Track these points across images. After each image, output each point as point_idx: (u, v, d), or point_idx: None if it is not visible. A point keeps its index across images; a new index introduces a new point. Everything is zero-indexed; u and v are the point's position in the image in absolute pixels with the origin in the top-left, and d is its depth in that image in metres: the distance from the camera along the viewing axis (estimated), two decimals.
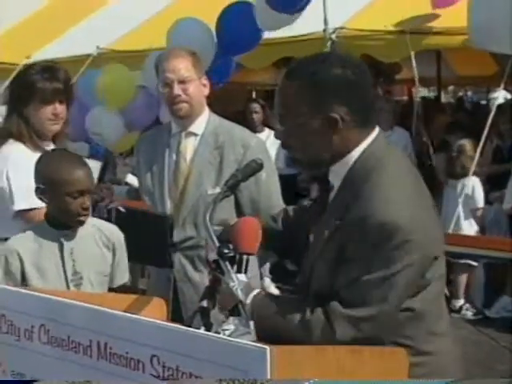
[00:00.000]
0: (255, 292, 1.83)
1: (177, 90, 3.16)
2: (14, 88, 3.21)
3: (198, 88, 3.23)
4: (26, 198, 2.89)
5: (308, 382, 1.44)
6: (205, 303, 1.74)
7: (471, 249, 5.19)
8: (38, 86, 3.05)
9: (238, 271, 1.70)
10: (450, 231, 5.87)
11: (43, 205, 2.68)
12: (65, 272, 2.60)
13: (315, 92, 1.91)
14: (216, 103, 7.88)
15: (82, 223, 2.63)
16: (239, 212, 3.20)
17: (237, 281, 1.67)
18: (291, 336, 1.77)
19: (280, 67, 10.51)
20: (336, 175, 1.99)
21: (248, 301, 1.77)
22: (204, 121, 3.28)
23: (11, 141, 3.09)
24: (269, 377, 1.42)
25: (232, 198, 3.15)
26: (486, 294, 6.34)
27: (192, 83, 3.19)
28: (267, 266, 5.94)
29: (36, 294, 1.83)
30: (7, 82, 7.93)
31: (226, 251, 1.71)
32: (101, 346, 1.67)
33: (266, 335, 1.69)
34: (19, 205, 2.97)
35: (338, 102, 1.90)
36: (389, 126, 7.19)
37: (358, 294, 1.79)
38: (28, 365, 1.82)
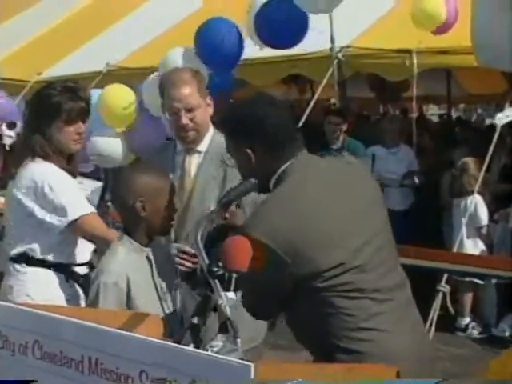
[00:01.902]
0: None
1: (184, 119, 3.18)
2: (36, 108, 3.21)
3: (204, 112, 3.26)
4: (79, 207, 3.01)
5: (291, 382, 1.47)
6: (195, 320, 1.78)
7: (475, 268, 5.19)
8: (65, 106, 3.09)
9: (227, 289, 1.74)
10: (455, 250, 5.87)
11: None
12: (156, 289, 2.59)
13: (234, 133, 2.40)
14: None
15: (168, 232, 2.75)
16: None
17: (225, 298, 1.71)
18: None
19: (289, 84, 10.60)
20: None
21: None
22: (208, 138, 3.31)
23: (39, 160, 3.10)
24: None
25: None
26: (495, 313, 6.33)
27: (199, 110, 3.22)
28: None
29: (29, 309, 1.86)
30: (19, 98, 8.11)
31: (215, 269, 1.75)
32: (92, 361, 1.71)
33: None
34: (75, 214, 3.02)
35: (249, 139, 2.33)
36: (394, 144, 7.23)
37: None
38: (22, 380, 1.86)
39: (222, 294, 1.72)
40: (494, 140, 5.91)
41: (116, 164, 5.19)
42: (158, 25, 8.59)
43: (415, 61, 6.32)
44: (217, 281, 1.74)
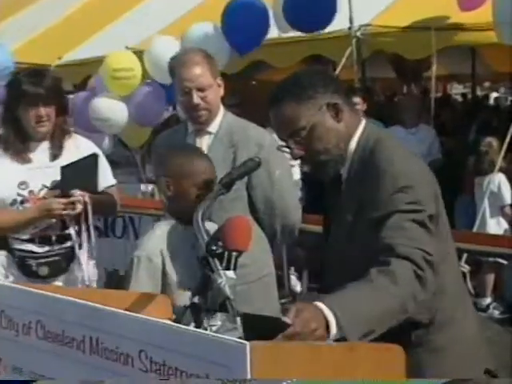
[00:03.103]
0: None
1: (196, 99, 3.17)
2: (8, 92, 3.40)
3: (216, 92, 3.26)
4: None
5: (286, 382, 1.46)
6: (196, 299, 1.77)
7: (498, 248, 5.13)
8: (27, 91, 3.26)
9: (227, 268, 1.73)
10: (475, 229, 5.81)
11: None
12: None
13: (307, 94, 2.09)
14: (246, 103, 7.93)
15: None
16: (253, 211, 3.23)
17: (224, 277, 1.70)
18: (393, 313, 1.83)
19: (310, 65, 10.52)
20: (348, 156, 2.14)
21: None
22: (219, 119, 3.31)
23: None
24: (249, 372, 1.44)
25: (245, 197, 3.18)
26: None
27: (210, 90, 3.22)
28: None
29: (32, 290, 1.87)
30: None
31: (214, 248, 1.74)
32: (93, 341, 1.71)
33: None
34: None
35: (329, 92, 2.10)
36: (413, 124, 7.14)
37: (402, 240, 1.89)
38: (26, 360, 1.87)
39: (222, 272, 1.71)
40: None
41: (117, 130, 5.23)
42: (177, 7, 8.58)
43: (434, 38, 6.22)
44: (216, 259, 1.73)
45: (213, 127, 3.29)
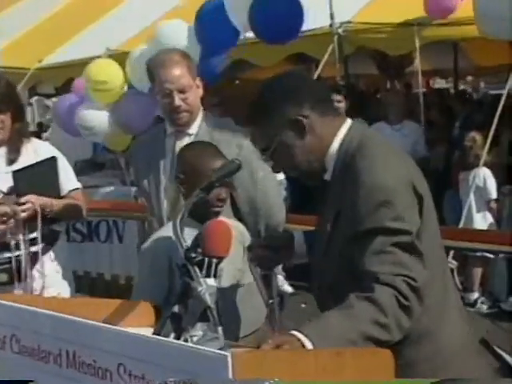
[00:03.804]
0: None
1: (177, 100, 3.11)
2: None
3: (196, 93, 3.20)
4: None
5: (268, 382, 1.41)
6: (176, 309, 1.72)
7: (485, 244, 5.10)
8: None
9: (207, 275, 1.67)
10: (461, 224, 5.78)
11: None
12: None
13: (269, 113, 2.01)
14: (229, 102, 7.85)
15: (217, 215, 2.57)
16: (236, 212, 3.18)
17: (205, 285, 1.64)
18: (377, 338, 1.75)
19: (293, 63, 10.47)
20: (329, 163, 2.05)
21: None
22: (199, 120, 3.25)
23: None
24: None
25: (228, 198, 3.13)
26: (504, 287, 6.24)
27: (191, 91, 3.16)
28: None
29: (6, 303, 1.81)
30: (21, 85, 8.07)
31: (193, 255, 1.68)
32: (70, 354, 1.66)
33: None
34: None
35: (293, 106, 1.99)
36: (398, 120, 7.09)
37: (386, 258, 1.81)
38: (1, 375, 1.81)
39: (202, 280, 1.65)
40: (498, 112, 5.80)
41: (101, 138, 5.17)
42: (156, 8, 8.51)
43: (416, 34, 6.19)
44: (196, 267, 1.67)
45: (193, 129, 3.23)
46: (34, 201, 3.17)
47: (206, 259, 1.68)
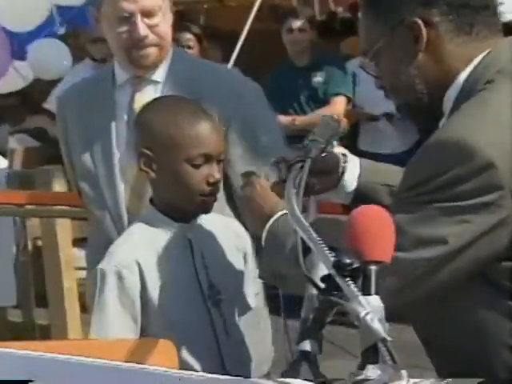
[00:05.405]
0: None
1: (142, 29, 2.19)
2: None
3: (168, 20, 2.28)
4: None
5: None
6: (307, 346, 1.14)
7: None
8: None
9: (367, 292, 1.11)
10: None
11: None
12: (200, 284, 1.83)
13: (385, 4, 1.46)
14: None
15: (206, 208, 1.81)
16: (229, 199, 2.30)
17: (368, 307, 1.08)
18: None
19: None
20: (447, 104, 1.47)
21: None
22: (167, 60, 2.31)
23: None
24: None
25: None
26: None
27: (161, 14, 2.22)
28: None
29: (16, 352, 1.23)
30: None
31: (348, 261, 1.11)
32: None
33: None
34: None
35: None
36: None
37: None
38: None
39: (363, 300, 1.09)
40: None
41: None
42: None
43: None
44: (350, 280, 1.10)
45: (159, 74, 2.31)
46: None
47: (363, 267, 1.11)
